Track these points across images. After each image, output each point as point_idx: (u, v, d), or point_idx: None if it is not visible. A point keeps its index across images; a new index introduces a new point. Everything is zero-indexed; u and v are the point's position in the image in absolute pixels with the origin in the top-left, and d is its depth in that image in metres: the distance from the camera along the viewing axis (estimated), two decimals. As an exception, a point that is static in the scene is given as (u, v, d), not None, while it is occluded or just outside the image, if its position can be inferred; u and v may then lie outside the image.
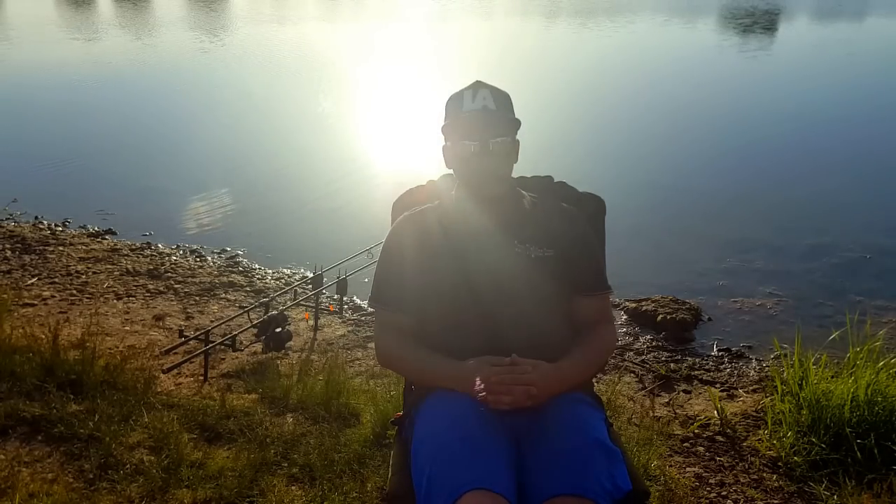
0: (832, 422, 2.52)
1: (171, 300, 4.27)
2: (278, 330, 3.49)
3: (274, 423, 2.74)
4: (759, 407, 3.01)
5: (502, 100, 1.73)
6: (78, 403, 2.71)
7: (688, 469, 2.58)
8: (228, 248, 5.25)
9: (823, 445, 2.48)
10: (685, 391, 3.32)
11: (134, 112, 9.65)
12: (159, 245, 5.28)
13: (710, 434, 2.83)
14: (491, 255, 1.70)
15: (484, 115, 1.69)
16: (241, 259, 5.09)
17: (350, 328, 4.01)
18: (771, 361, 3.63)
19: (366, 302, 4.27)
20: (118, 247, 5.16)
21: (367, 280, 3.99)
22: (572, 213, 1.81)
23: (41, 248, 4.98)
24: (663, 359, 3.68)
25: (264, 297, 4.03)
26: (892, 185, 6.53)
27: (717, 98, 10.19)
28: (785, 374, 2.89)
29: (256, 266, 4.97)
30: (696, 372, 3.53)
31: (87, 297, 4.20)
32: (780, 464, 2.55)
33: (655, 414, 3.04)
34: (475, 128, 1.69)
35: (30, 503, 2.19)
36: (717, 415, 2.91)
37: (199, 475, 2.35)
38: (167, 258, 5.00)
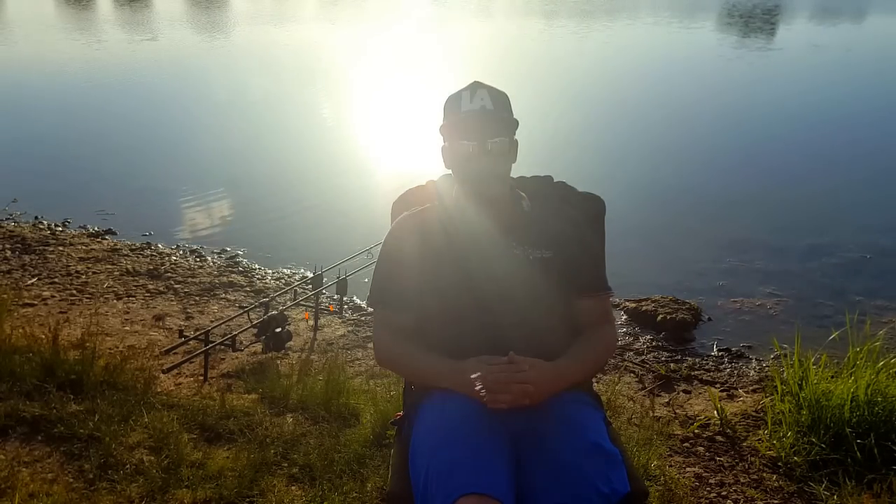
0: (832, 422, 2.52)
1: (171, 300, 4.27)
2: (278, 330, 3.49)
3: (274, 423, 2.74)
4: (759, 407, 3.01)
5: (500, 100, 1.73)
6: (78, 403, 2.71)
7: (688, 469, 2.58)
8: (228, 248, 5.26)
9: (823, 445, 2.48)
10: (685, 391, 3.32)
11: (134, 112, 9.65)
12: (159, 245, 5.28)
13: (710, 434, 2.83)
14: (490, 256, 1.70)
15: (482, 115, 1.68)
16: (241, 259, 5.09)
17: (350, 328, 4.01)
18: (771, 361, 3.63)
19: (366, 302, 4.27)
20: (118, 247, 5.16)
21: (367, 280, 3.98)
22: (571, 213, 1.81)
23: (41, 248, 4.98)
24: (663, 359, 3.68)
25: (264, 297, 4.03)
26: (892, 185, 6.53)
27: (717, 98, 10.19)
28: (785, 374, 2.88)
29: (256, 266, 4.97)
30: (696, 372, 3.53)
31: (87, 297, 4.20)
32: (780, 464, 2.55)
33: (655, 414, 3.04)
34: (473, 128, 1.69)
35: (30, 503, 2.19)
36: (717, 415, 2.91)
37: (199, 475, 2.35)
38: (167, 258, 5.00)
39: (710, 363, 3.65)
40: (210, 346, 3.25)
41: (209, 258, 5.08)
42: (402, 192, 1.99)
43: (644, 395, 3.25)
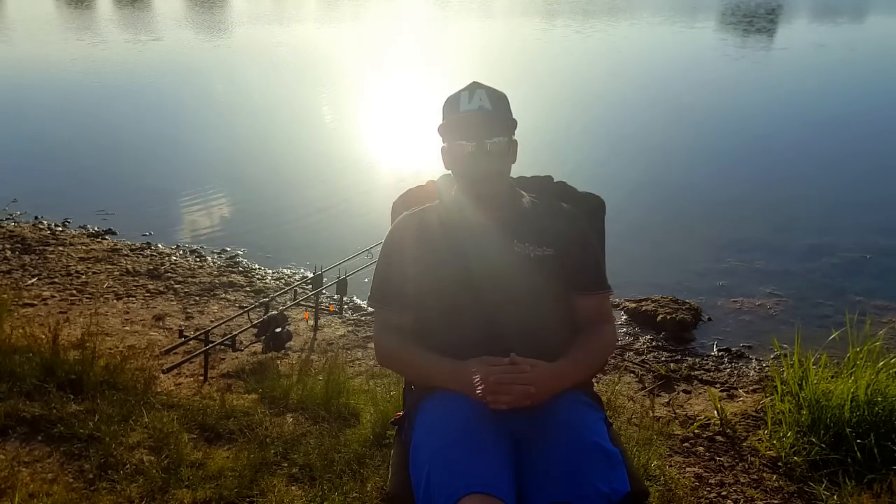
0: (832, 422, 2.52)
1: (171, 300, 4.27)
2: (278, 330, 3.49)
3: (274, 423, 2.74)
4: (759, 407, 3.01)
5: (499, 100, 1.73)
6: (78, 403, 2.71)
7: (688, 469, 2.58)
8: (228, 248, 5.25)
9: (823, 445, 2.48)
10: (685, 391, 3.32)
11: (134, 112, 9.65)
12: (159, 245, 5.28)
13: (710, 434, 2.83)
14: (490, 254, 1.70)
15: (480, 115, 1.69)
16: (241, 259, 5.09)
17: (350, 328, 4.01)
18: (771, 361, 3.63)
19: (366, 302, 4.27)
20: (118, 247, 5.16)
21: (367, 280, 3.98)
22: (571, 212, 1.81)
23: (41, 248, 4.98)
24: (663, 359, 3.68)
25: (264, 297, 4.03)
26: (892, 185, 6.52)
27: (717, 98, 10.19)
28: (785, 374, 2.89)
29: (256, 266, 4.97)
30: (696, 372, 3.52)
31: (87, 297, 4.20)
32: (780, 464, 2.55)
33: (655, 414, 3.04)
34: (472, 128, 1.69)
35: (30, 503, 2.20)
36: (717, 415, 2.91)
37: (199, 475, 2.35)
38: (167, 258, 5.00)
39: (710, 363, 3.65)
40: (210, 346, 3.25)
41: (209, 258, 5.08)
42: (402, 192, 2.00)
43: (644, 395, 3.25)
